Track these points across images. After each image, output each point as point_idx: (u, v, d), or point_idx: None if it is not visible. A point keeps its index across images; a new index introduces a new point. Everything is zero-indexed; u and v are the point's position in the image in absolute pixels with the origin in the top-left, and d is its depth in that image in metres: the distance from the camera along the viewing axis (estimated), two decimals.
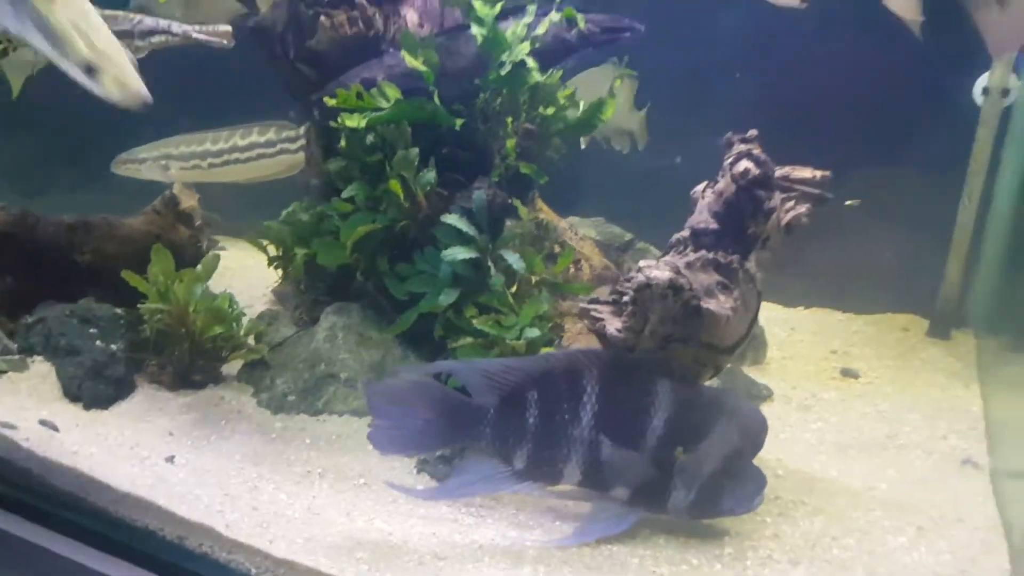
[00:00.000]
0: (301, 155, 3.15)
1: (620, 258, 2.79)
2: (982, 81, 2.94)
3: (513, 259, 1.97)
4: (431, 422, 1.70)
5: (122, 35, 2.24)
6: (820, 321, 3.21)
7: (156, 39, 2.29)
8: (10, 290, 2.64)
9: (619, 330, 1.69)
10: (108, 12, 2.25)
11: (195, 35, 2.29)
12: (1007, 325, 2.68)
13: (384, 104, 1.95)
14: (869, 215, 2.92)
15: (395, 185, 1.96)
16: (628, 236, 2.96)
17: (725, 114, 3.03)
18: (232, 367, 2.57)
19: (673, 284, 1.66)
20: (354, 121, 1.91)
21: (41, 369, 2.50)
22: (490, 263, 2.00)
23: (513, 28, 2.01)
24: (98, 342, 2.51)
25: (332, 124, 1.99)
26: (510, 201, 2.04)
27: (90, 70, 1.71)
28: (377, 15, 2.10)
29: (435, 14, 2.16)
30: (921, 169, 3.05)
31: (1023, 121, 2.93)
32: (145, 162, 3.32)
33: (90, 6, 1.84)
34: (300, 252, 2.42)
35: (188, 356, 2.46)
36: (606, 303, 1.74)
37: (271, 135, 3.21)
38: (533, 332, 1.94)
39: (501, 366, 1.67)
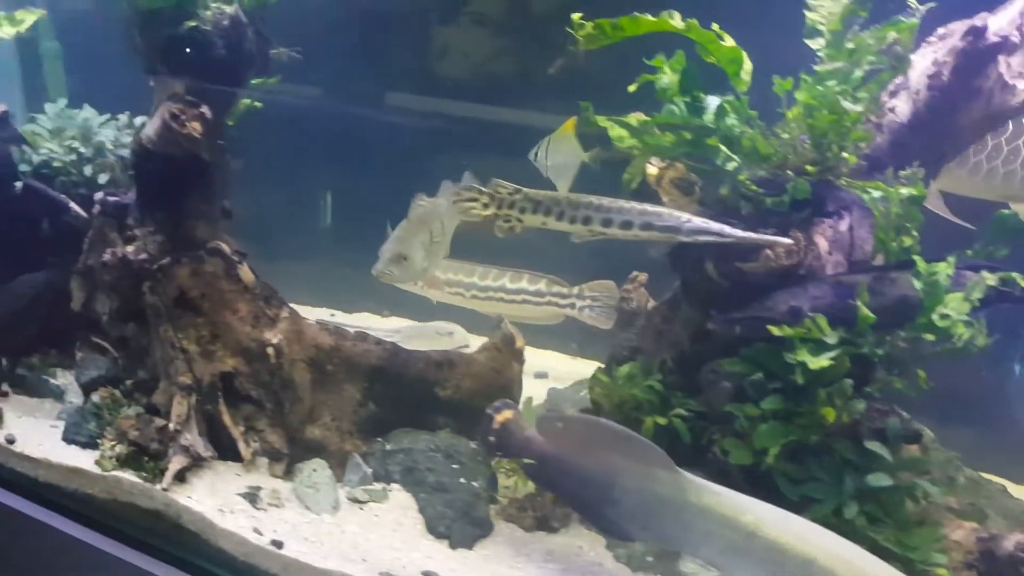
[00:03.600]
0: (566, 311, 3.21)
1: None
2: None
3: (933, 491, 2.03)
4: None
5: (667, 231, 2.15)
6: None
7: (703, 238, 2.12)
8: (371, 416, 2.66)
9: None
10: (651, 207, 2.19)
11: (751, 239, 2.11)
12: None
13: (825, 338, 2.02)
14: None
15: (830, 413, 2.03)
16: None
17: None
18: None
19: None
20: (816, 362, 1.98)
21: (399, 499, 2.50)
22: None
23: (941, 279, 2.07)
24: (462, 479, 2.51)
25: (789, 358, 2.03)
26: (916, 429, 2.12)
27: None
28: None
29: (844, 243, 2.20)
30: None
31: None
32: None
33: None
34: (650, 420, 2.48)
35: (550, 504, 2.51)
36: None
37: (541, 286, 3.21)
38: (941, 557, 2.00)
39: None
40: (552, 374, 3.62)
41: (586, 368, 3.61)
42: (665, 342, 2.57)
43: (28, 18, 2.87)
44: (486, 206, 2.31)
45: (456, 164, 3.92)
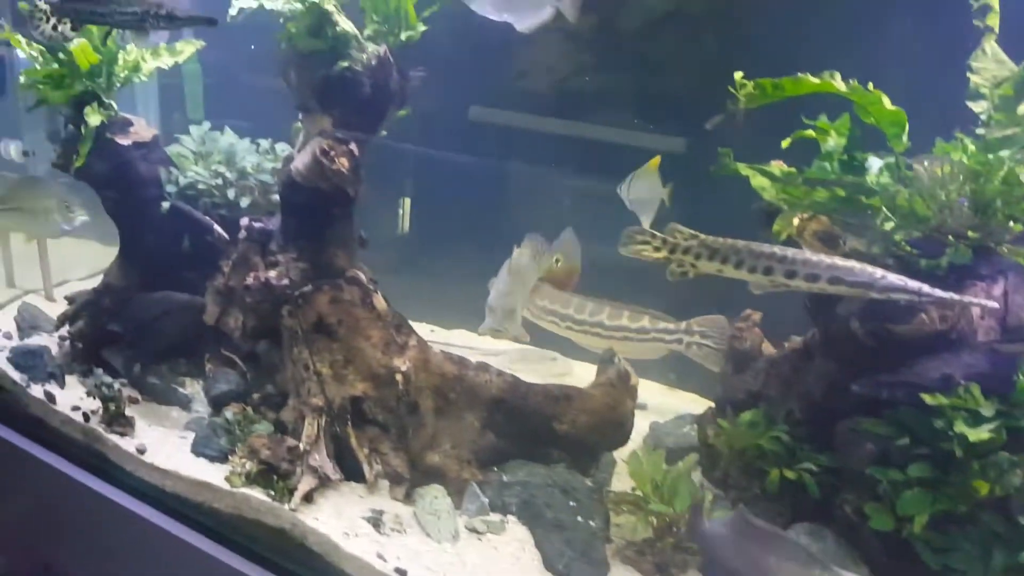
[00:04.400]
0: (673, 347, 3.09)
1: None
2: None
3: None
4: None
5: (858, 286, 2.01)
6: None
7: (898, 296, 1.97)
8: (488, 446, 2.67)
9: None
10: (840, 261, 2.04)
11: (953, 300, 1.96)
12: None
13: (980, 409, 1.94)
14: None
15: (983, 486, 1.96)
16: None
17: None
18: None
19: None
20: (976, 434, 1.91)
21: (516, 532, 2.48)
22: None
23: None
24: (579, 517, 2.49)
25: (938, 425, 1.96)
26: None
27: None
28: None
29: (994, 309, 2.14)
30: None
31: None
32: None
33: None
34: (776, 472, 2.43)
35: (670, 550, 2.48)
36: None
37: (644, 323, 3.08)
38: None
39: None
40: (650, 406, 3.55)
41: (685, 401, 3.56)
42: (793, 392, 2.51)
43: (187, 49, 2.98)
44: (658, 249, 2.29)
45: (545, 178, 3.88)
